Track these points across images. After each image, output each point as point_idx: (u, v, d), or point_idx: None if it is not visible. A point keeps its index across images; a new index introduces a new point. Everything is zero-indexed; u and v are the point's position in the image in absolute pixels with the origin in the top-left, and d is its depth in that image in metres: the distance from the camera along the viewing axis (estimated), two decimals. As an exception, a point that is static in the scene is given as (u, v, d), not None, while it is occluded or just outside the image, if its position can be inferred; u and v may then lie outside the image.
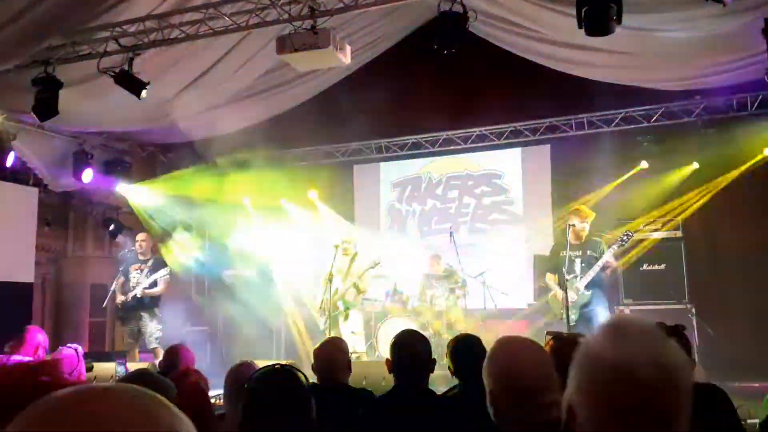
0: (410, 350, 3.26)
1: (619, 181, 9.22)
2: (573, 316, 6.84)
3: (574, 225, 6.94)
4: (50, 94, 6.66)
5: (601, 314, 6.84)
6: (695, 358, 3.21)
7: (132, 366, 5.91)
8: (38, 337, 4.78)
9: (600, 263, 6.83)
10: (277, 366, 2.36)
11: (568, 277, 6.85)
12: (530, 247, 10.03)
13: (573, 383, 1.27)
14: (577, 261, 6.97)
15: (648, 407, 1.18)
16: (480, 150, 10.54)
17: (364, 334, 8.29)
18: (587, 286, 6.87)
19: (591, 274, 6.85)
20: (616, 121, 9.36)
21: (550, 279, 7.23)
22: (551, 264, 7.28)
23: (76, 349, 4.06)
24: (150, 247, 8.37)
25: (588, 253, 6.97)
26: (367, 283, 8.26)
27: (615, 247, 6.93)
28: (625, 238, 6.98)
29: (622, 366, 1.19)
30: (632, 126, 9.30)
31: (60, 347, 4.10)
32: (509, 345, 2.27)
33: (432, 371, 3.31)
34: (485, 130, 10.18)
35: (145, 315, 7.99)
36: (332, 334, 7.49)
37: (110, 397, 0.79)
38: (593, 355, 1.25)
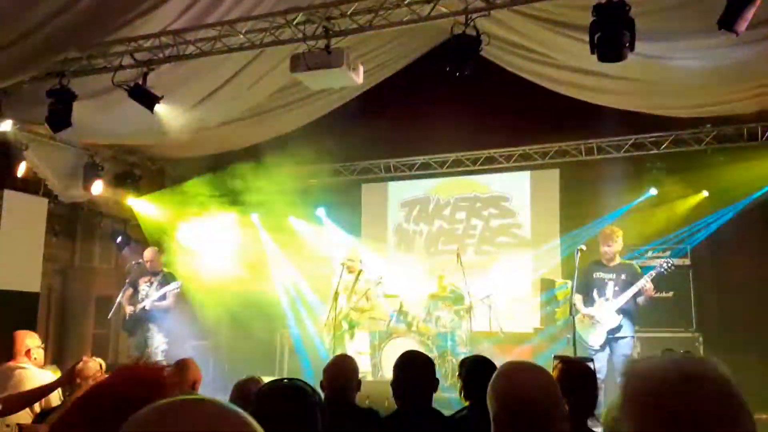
0: (413, 371, 3.26)
1: (628, 207, 9.20)
2: (600, 339, 6.71)
3: (601, 250, 6.89)
4: (64, 105, 6.71)
5: (627, 343, 6.71)
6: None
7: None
8: (27, 341, 4.79)
9: (635, 288, 6.66)
10: (285, 380, 2.35)
11: (598, 299, 6.76)
12: (537, 271, 10.01)
13: (631, 411, 1.27)
14: (610, 284, 6.81)
15: None
16: (489, 172, 10.56)
17: (370, 354, 8.24)
18: (618, 311, 6.70)
19: (624, 298, 6.69)
20: (626, 147, 9.38)
21: (578, 300, 6.99)
22: (581, 284, 7.05)
23: (101, 364, 4.08)
24: (159, 262, 8.37)
25: (623, 277, 6.80)
26: (373, 301, 8.23)
27: (653, 273, 6.73)
28: (665, 264, 6.81)
29: (680, 370, 1.23)
30: (642, 152, 9.32)
31: (84, 358, 4.11)
32: (514, 369, 2.22)
33: (435, 390, 3.30)
34: (494, 153, 10.21)
35: (152, 327, 7.99)
36: (338, 353, 7.46)
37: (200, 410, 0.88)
38: (649, 370, 1.28)
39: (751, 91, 7.32)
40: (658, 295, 8.40)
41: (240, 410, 0.89)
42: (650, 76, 7.31)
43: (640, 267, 7.06)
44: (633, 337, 6.87)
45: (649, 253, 8.68)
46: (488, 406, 2.15)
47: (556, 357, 3.60)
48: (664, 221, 8.90)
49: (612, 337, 6.72)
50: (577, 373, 3.16)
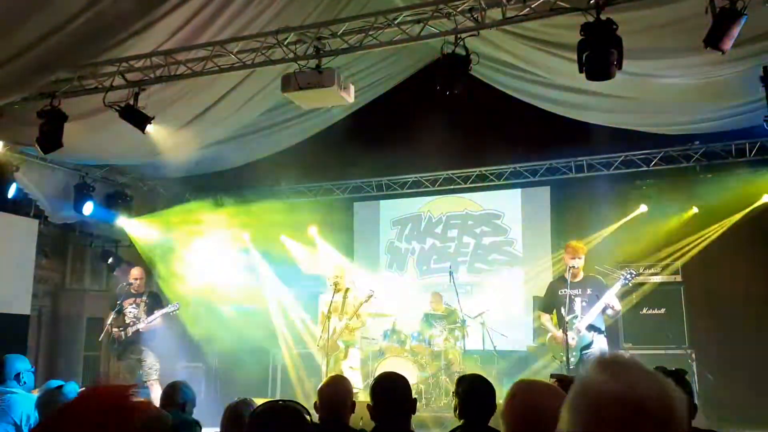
0: (389, 393, 3.25)
1: (618, 224, 9.23)
2: (572, 359, 6.49)
3: (571, 265, 6.66)
4: (55, 126, 6.69)
5: None
6: (696, 403, 3.16)
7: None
8: (18, 364, 4.73)
9: (602, 303, 6.51)
10: (280, 402, 2.34)
11: (567, 317, 6.55)
12: (529, 289, 10.02)
13: (572, 421, 1.25)
14: (578, 300, 6.60)
15: None
16: (480, 190, 10.59)
17: (362, 371, 8.20)
18: (588, 327, 6.52)
19: (593, 314, 6.51)
20: (616, 164, 9.43)
21: (546, 320, 6.90)
22: (546, 303, 7.01)
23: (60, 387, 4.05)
24: (145, 282, 8.34)
25: (589, 291, 6.62)
26: (363, 318, 8.19)
27: (618, 285, 6.61)
28: (628, 276, 6.68)
29: (630, 400, 1.19)
30: (631, 169, 9.38)
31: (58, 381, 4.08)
32: (530, 390, 2.16)
33: (414, 412, 3.30)
34: (485, 171, 10.25)
35: (145, 349, 7.93)
36: (332, 372, 7.41)
37: None
38: (597, 391, 1.23)
39: (738, 108, 7.39)
40: (650, 312, 8.45)
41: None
42: (638, 93, 7.38)
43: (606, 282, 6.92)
44: (607, 350, 6.69)
45: (641, 270, 8.70)
46: (501, 426, 2.13)
47: (552, 375, 3.59)
48: (654, 238, 8.92)
49: (585, 353, 6.52)
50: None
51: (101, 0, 5.52)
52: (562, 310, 6.62)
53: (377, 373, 8.31)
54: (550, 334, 6.86)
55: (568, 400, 1.27)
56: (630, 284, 6.82)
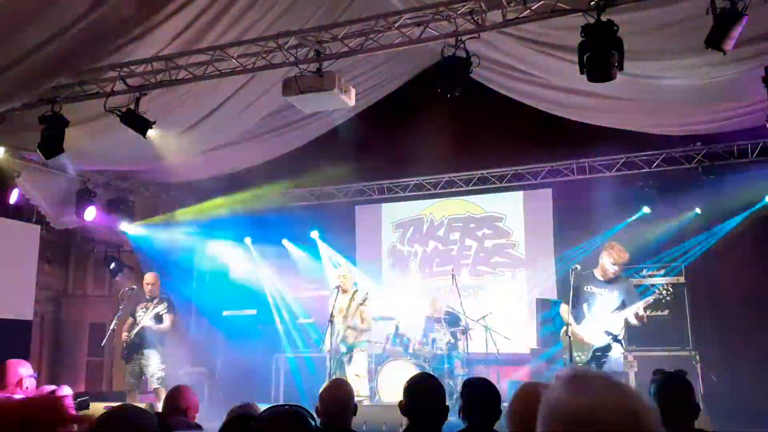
0: (426, 395, 3.24)
1: (621, 226, 9.20)
2: (584, 357, 6.29)
3: (608, 269, 6.43)
4: (56, 132, 6.70)
5: (617, 360, 6.31)
6: (700, 405, 3.14)
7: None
8: (20, 370, 4.72)
9: (627, 312, 6.23)
10: (286, 407, 2.33)
11: (587, 314, 6.37)
12: (532, 291, 10.00)
13: None
14: (600, 299, 6.39)
15: None
16: (482, 193, 10.58)
17: (368, 377, 8.18)
18: (607, 332, 6.25)
19: (614, 319, 6.28)
20: (618, 166, 9.42)
21: (565, 311, 6.57)
22: (570, 297, 6.62)
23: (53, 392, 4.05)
24: (158, 287, 8.33)
25: (615, 293, 6.40)
26: (369, 321, 8.15)
27: (650, 299, 6.34)
28: (664, 292, 6.46)
29: (589, 418, 1.17)
30: (633, 171, 9.36)
31: (42, 387, 4.07)
32: (535, 392, 2.16)
33: (446, 417, 3.28)
34: (487, 173, 10.24)
35: (147, 353, 7.91)
36: (337, 377, 7.39)
37: None
38: (555, 405, 1.23)
39: (741, 109, 7.37)
40: (654, 313, 8.39)
41: None
42: (639, 95, 7.36)
43: (634, 286, 6.77)
44: (623, 353, 6.54)
45: (644, 272, 8.68)
46: (507, 428, 2.12)
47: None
48: (657, 240, 8.90)
49: (600, 355, 6.34)
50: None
51: (102, 5, 5.52)
52: (584, 306, 6.46)
53: (380, 376, 8.38)
54: (564, 328, 6.60)
55: (538, 416, 1.26)
56: (663, 298, 6.58)
